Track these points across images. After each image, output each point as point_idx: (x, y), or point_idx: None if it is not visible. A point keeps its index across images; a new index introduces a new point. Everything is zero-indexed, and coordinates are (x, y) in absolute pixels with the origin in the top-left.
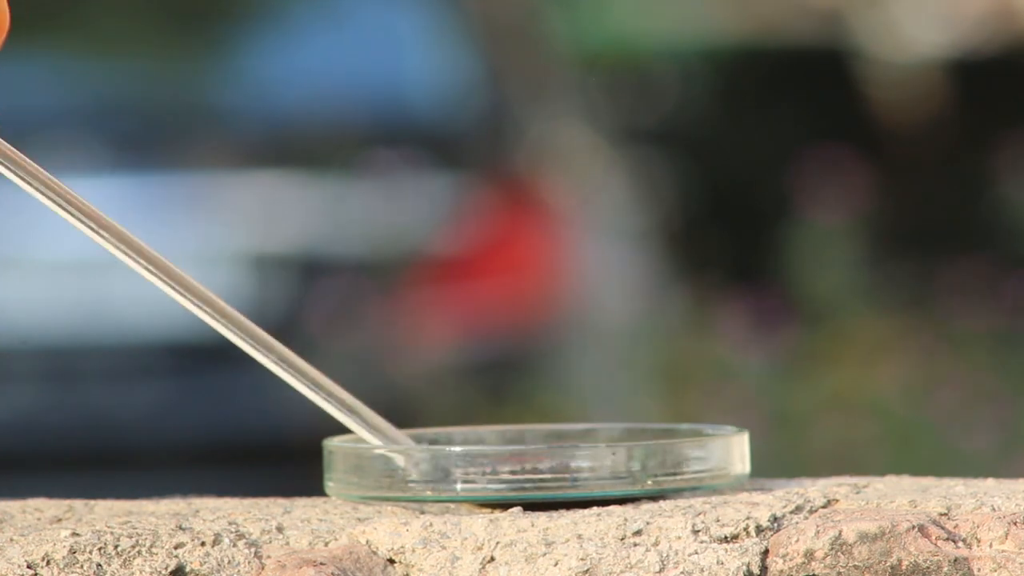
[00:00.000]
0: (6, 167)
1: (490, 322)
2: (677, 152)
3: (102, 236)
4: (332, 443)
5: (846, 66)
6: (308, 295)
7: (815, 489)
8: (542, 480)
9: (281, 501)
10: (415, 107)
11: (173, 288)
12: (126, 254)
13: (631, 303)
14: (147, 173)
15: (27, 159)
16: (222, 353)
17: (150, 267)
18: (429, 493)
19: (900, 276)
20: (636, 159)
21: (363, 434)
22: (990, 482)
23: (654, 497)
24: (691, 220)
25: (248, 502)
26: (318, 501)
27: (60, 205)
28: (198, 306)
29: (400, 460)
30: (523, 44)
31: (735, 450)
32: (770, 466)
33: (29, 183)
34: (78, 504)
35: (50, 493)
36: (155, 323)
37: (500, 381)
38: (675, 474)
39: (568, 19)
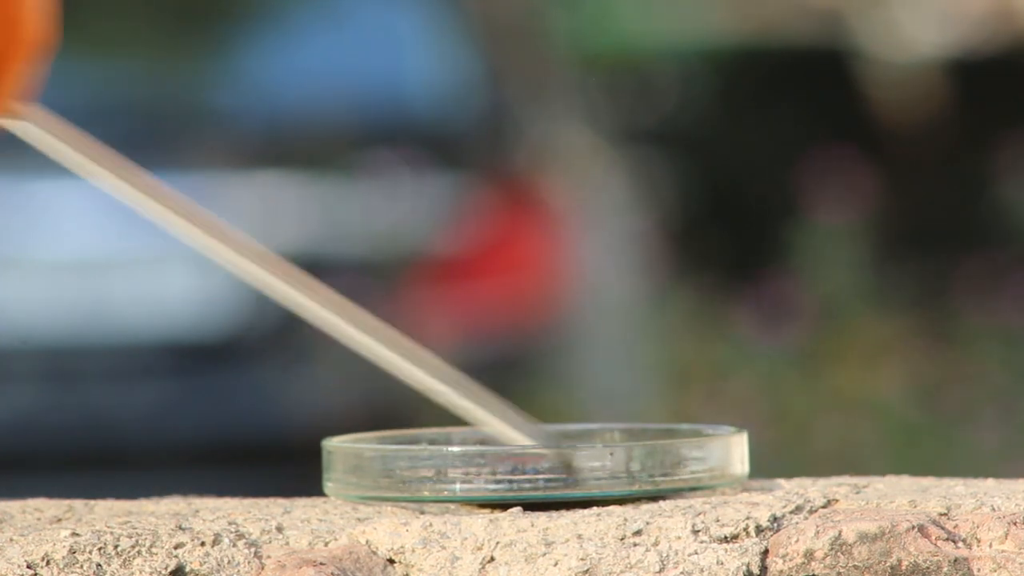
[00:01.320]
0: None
1: (490, 322)
2: (677, 152)
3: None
4: (331, 443)
5: (846, 66)
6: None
7: (815, 489)
8: (542, 480)
9: (281, 501)
10: (415, 107)
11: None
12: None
13: (631, 303)
14: (149, 173)
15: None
16: (222, 353)
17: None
18: (427, 493)
19: (902, 276)
20: (636, 159)
21: (499, 430)
22: (990, 482)
23: (654, 497)
24: (691, 220)
25: (248, 502)
26: (318, 501)
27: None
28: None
29: (402, 460)
30: (523, 44)
31: (735, 450)
32: (771, 466)
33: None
34: (78, 504)
35: (50, 493)
36: (155, 323)
37: (500, 381)
38: (675, 474)
39: (568, 19)
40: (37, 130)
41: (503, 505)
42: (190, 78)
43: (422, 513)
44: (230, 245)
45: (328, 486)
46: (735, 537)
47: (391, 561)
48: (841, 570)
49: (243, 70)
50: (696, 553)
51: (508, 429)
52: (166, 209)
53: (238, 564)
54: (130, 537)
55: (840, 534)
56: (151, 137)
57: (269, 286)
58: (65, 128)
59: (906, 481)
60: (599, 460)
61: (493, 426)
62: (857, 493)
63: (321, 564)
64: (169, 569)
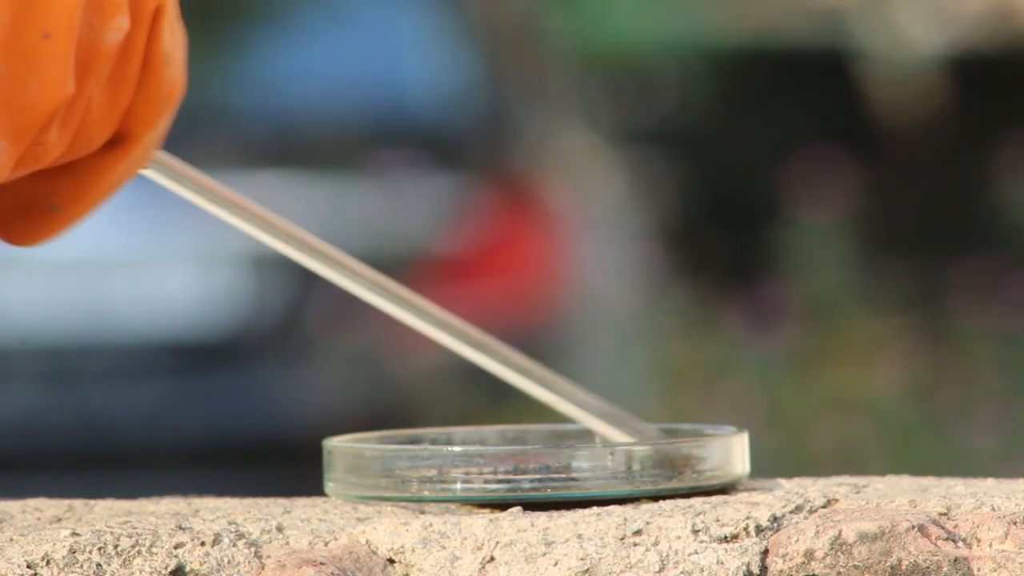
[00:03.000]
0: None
1: (491, 322)
2: (677, 152)
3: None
4: (332, 443)
5: (846, 66)
6: (308, 295)
7: (815, 489)
8: (542, 480)
9: (281, 501)
10: (416, 107)
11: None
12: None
13: (630, 303)
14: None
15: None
16: (222, 353)
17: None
18: (428, 493)
19: (899, 276)
20: (636, 159)
21: (603, 430)
22: (990, 482)
23: (654, 497)
24: (690, 220)
25: (248, 502)
26: (318, 501)
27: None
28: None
29: (403, 460)
30: (523, 44)
31: (735, 450)
32: (768, 467)
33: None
34: (78, 504)
35: (50, 493)
36: (155, 323)
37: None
38: (675, 474)
39: (568, 19)
40: (163, 172)
41: (503, 505)
42: (193, 78)
43: (422, 513)
44: (369, 283)
45: (329, 486)
46: (735, 537)
47: (391, 561)
48: (841, 570)
49: (245, 70)
50: (696, 553)
51: (612, 429)
52: (295, 245)
53: (238, 564)
54: (130, 537)
55: (840, 534)
56: None
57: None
58: (186, 167)
59: (906, 481)
60: (599, 460)
61: (598, 428)
62: (857, 493)
63: (321, 564)
64: (169, 569)
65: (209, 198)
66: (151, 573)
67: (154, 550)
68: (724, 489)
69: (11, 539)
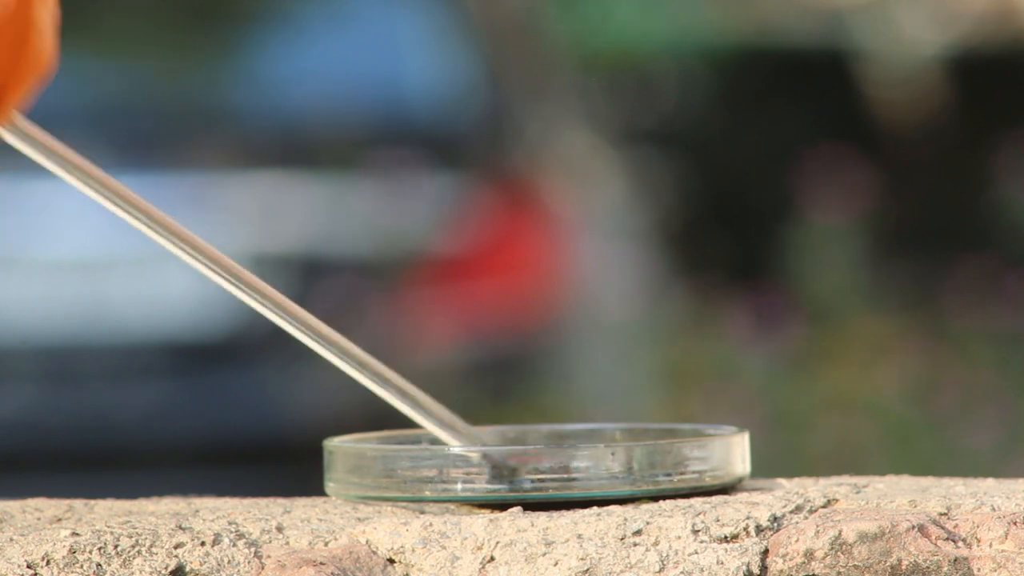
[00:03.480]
0: (47, 158)
1: (490, 322)
2: (677, 152)
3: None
4: (332, 443)
5: (846, 66)
6: (308, 295)
7: (815, 489)
8: (542, 480)
9: (281, 501)
10: (416, 107)
11: (228, 280)
12: (176, 245)
13: (631, 303)
14: (149, 173)
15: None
16: (222, 353)
17: (203, 259)
18: (429, 493)
19: (901, 276)
20: (636, 159)
21: (431, 428)
22: (990, 482)
23: (654, 497)
24: (691, 220)
25: (248, 502)
26: (318, 501)
27: (105, 196)
28: (248, 293)
29: (403, 460)
30: (523, 44)
31: (736, 450)
32: (770, 466)
33: (74, 175)
34: (78, 504)
35: (50, 493)
36: (155, 323)
37: (501, 381)
38: (675, 474)
39: (568, 19)
40: (20, 136)
41: (503, 505)
42: (194, 78)
43: (422, 513)
44: (194, 250)
45: (329, 486)
46: (735, 537)
47: (391, 561)
48: (841, 570)
49: (246, 71)
50: (696, 553)
51: (442, 430)
52: (134, 213)
53: (238, 564)
54: (130, 537)
55: (840, 534)
56: (154, 137)
57: (230, 289)
58: (40, 132)
59: (906, 481)
60: (599, 460)
61: (428, 427)
62: (857, 493)
63: (321, 564)
64: (169, 569)
65: (60, 164)
66: (151, 573)
67: (154, 550)
68: (724, 489)
69: (11, 539)
